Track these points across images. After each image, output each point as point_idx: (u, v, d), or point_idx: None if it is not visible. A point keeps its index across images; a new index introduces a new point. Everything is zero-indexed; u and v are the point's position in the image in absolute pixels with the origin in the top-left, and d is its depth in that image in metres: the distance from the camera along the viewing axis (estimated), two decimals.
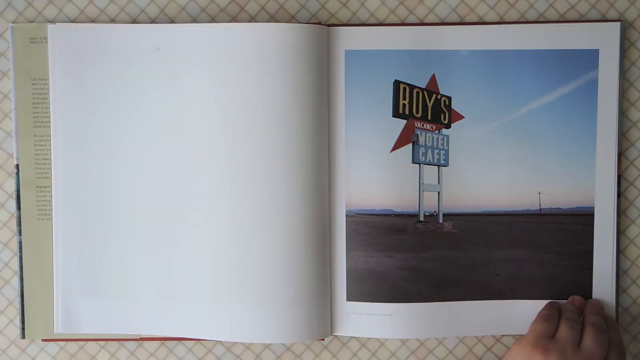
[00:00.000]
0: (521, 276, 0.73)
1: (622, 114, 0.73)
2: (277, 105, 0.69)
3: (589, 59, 0.71)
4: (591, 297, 0.73)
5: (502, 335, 0.75)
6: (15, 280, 0.74)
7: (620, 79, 0.71)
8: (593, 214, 0.72)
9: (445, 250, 0.73)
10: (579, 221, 0.72)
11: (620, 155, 0.73)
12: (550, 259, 0.73)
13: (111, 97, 0.71)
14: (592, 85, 0.71)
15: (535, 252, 0.73)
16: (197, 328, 0.72)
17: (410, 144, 0.73)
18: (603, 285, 0.72)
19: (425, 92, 0.72)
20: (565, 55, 0.71)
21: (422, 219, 0.73)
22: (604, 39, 0.71)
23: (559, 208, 0.73)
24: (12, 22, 0.73)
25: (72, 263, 0.72)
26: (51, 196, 0.72)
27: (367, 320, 0.72)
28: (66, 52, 0.71)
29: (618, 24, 0.71)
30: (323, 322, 0.72)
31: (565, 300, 0.72)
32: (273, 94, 0.69)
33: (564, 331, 0.66)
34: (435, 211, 0.73)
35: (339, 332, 0.73)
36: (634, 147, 0.74)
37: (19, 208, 0.73)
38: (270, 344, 0.75)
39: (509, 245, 0.73)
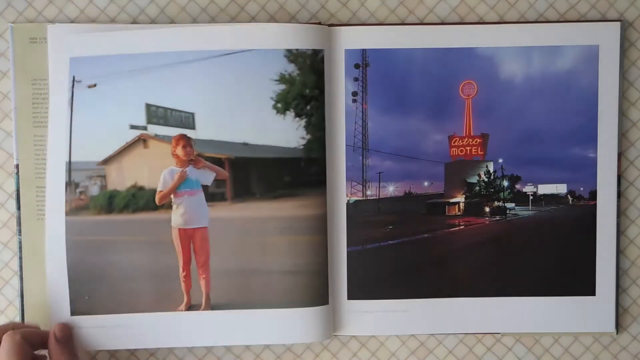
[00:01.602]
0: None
1: (622, 114, 0.73)
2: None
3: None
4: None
5: (502, 335, 0.75)
6: (15, 280, 0.74)
7: (620, 78, 0.72)
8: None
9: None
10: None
11: (620, 155, 0.73)
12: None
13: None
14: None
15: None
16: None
17: None
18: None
19: None
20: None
21: None
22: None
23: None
24: (12, 22, 0.73)
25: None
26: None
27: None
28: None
29: (618, 23, 0.71)
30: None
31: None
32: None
33: None
34: None
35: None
36: (634, 147, 0.74)
37: (18, 208, 0.73)
38: (270, 344, 0.75)
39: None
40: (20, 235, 0.73)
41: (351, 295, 0.72)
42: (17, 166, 0.73)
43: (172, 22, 0.73)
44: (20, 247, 0.73)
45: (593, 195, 0.72)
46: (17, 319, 0.74)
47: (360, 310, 0.72)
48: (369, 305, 0.72)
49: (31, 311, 0.73)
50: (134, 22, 0.73)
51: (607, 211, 0.72)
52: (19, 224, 0.73)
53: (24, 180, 0.73)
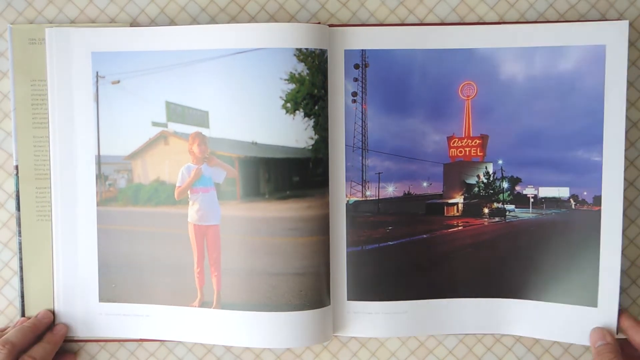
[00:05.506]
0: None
1: None
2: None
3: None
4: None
5: (502, 335, 0.75)
6: (15, 280, 0.75)
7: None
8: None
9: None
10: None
11: None
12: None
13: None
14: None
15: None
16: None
17: None
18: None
19: None
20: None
21: None
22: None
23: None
24: (12, 23, 0.73)
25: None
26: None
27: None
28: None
29: (626, 22, 0.69)
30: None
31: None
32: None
33: None
34: None
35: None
36: (634, 147, 0.73)
37: (18, 209, 0.73)
38: (273, 347, 0.74)
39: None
40: (20, 235, 0.73)
41: (351, 296, 0.72)
42: (16, 167, 0.73)
43: (172, 22, 0.73)
44: (20, 248, 0.73)
45: (597, 200, 0.71)
46: (17, 319, 0.74)
47: (360, 311, 0.72)
48: (368, 306, 0.72)
49: (31, 311, 0.73)
50: (134, 22, 0.73)
51: (612, 220, 0.70)
52: (18, 224, 0.73)
53: (23, 181, 0.73)
